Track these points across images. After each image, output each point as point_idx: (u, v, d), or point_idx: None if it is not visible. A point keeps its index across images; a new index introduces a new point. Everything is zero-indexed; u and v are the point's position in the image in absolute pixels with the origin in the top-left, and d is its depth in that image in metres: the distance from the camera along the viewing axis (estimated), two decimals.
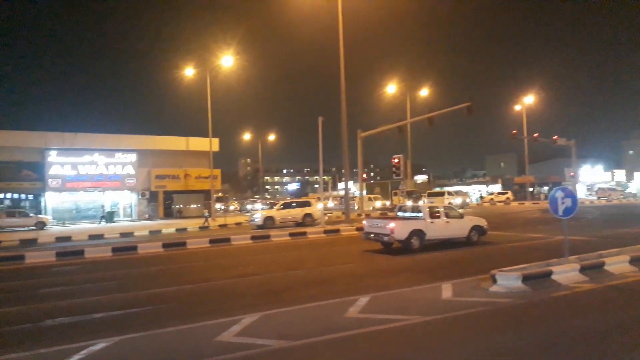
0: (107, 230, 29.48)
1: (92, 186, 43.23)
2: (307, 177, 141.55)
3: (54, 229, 35.01)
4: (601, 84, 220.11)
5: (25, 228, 33.91)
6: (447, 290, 9.53)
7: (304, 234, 22.84)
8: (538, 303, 8.47)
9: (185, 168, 47.06)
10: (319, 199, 32.74)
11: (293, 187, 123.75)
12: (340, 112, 28.58)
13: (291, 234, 22.55)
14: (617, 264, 10.65)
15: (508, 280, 9.35)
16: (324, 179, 35.76)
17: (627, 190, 63.17)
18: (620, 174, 79.90)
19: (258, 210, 33.43)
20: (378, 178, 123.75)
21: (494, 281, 9.53)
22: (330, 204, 53.28)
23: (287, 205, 30.37)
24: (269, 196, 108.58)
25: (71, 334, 7.72)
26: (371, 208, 46.23)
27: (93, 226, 35.59)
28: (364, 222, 17.98)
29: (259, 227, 27.83)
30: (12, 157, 40.26)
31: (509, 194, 56.82)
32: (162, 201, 46.14)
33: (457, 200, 45.95)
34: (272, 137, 74.79)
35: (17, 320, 8.84)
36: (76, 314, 9.17)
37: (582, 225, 22.68)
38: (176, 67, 47.03)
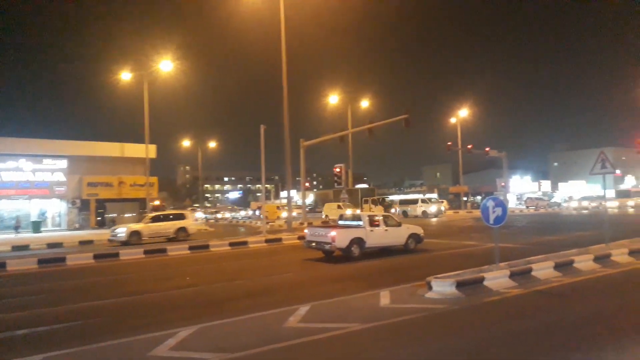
0: (33, 241, 27.65)
1: (16, 194, 40.44)
2: (249, 185, 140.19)
3: None
4: (530, 99, 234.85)
5: None
6: (385, 298, 9.70)
7: (245, 243, 22.52)
8: (470, 309, 8.80)
9: (120, 175, 45.17)
10: (193, 209, 31.76)
11: (234, 195, 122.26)
12: (283, 121, 28.59)
13: (231, 244, 22.15)
14: (543, 269, 11.27)
15: (443, 286, 9.67)
16: (266, 187, 35.55)
17: (553, 200, 67.28)
18: (546, 185, 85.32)
19: (120, 225, 28.21)
20: (320, 187, 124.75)
21: (430, 288, 9.82)
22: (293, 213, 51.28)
23: (157, 219, 27.26)
24: (208, 205, 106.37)
25: None
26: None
27: (14, 237, 33.29)
28: (306, 230, 18.02)
29: (123, 243, 24.38)
30: None
31: (444, 203, 58.95)
32: (94, 210, 44.00)
33: (432, 208, 45.23)
34: (213, 145, 73.57)
35: None
36: None
37: (512, 233, 23.87)
38: (112, 71, 45.18)
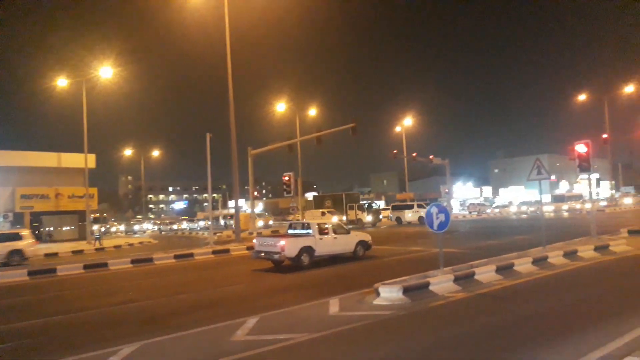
0: None
1: None
2: (195, 195, 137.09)
3: None
4: (471, 109, 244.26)
5: None
6: (334, 306, 9.70)
7: (191, 255, 21.87)
8: (417, 314, 8.95)
9: (57, 187, 42.98)
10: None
11: (180, 205, 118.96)
12: (229, 129, 28.18)
13: (176, 256, 21.44)
14: (485, 273, 11.65)
15: (390, 292, 9.78)
16: (213, 197, 34.85)
17: (494, 205, 70.18)
18: (487, 190, 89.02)
19: None
20: (270, 195, 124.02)
21: (378, 294, 9.92)
22: (260, 223, 48.45)
23: None
24: (152, 216, 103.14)
25: None
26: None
27: None
28: (255, 240, 17.78)
29: None
30: None
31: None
32: (28, 224, 41.54)
33: None
34: (156, 154, 71.61)
35: None
36: None
37: (456, 238, 24.62)
38: (48, 77, 43.11)
